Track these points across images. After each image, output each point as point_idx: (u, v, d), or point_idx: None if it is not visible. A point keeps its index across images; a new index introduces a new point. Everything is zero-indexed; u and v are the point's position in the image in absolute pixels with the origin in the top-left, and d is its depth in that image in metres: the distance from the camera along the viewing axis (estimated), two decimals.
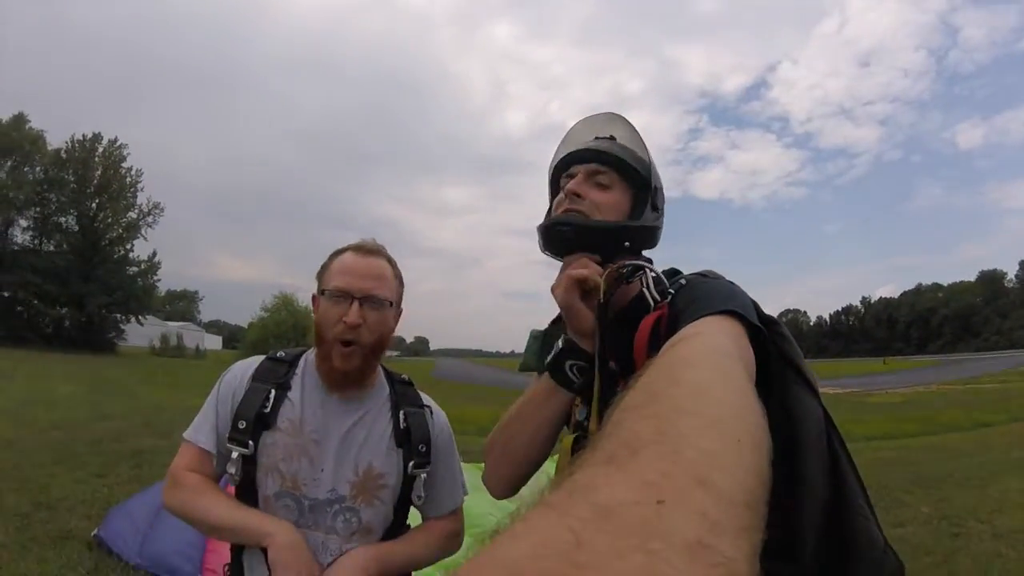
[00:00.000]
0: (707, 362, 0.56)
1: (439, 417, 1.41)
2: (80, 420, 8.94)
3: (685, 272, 0.99)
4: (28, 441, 7.01)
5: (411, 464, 1.30)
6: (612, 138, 1.07)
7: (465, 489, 1.47)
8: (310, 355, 1.34)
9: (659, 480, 0.31)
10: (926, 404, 16.16)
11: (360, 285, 1.24)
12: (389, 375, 1.41)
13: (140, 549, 3.66)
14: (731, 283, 0.91)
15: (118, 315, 39.95)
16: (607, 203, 1.00)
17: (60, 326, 36.85)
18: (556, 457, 1.01)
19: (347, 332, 1.23)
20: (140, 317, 41.77)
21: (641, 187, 1.02)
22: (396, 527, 1.33)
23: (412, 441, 1.31)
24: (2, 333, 32.13)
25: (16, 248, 38.10)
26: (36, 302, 35.69)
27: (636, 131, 1.06)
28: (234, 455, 1.21)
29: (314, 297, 1.32)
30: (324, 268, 1.31)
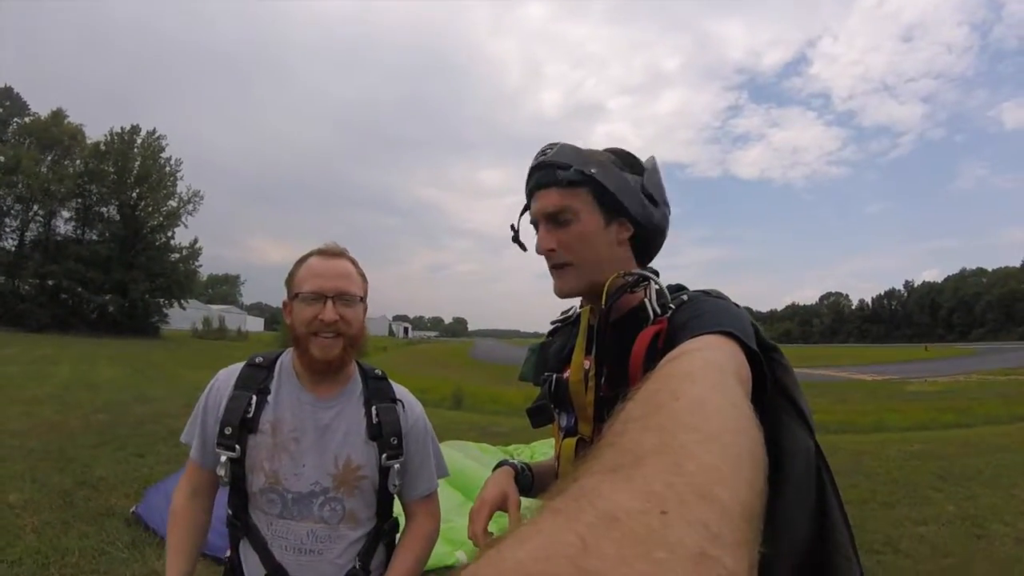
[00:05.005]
0: (706, 377, 0.57)
1: (412, 409, 1.50)
2: (123, 403, 9.30)
3: (690, 289, 0.98)
4: (73, 424, 7.36)
5: (384, 456, 1.40)
6: (546, 152, 1.03)
7: (443, 471, 1.57)
8: (285, 358, 1.45)
9: (663, 491, 0.31)
10: (965, 394, 15.64)
11: (332, 285, 1.34)
12: (363, 371, 1.50)
13: None
14: (736, 305, 0.90)
15: (161, 300, 40.69)
16: (575, 237, 0.99)
17: (104, 312, 37.72)
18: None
19: (325, 328, 1.33)
20: (183, 301, 42.38)
21: (599, 188, 0.99)
22: (382, 512, 1.44)
23: (384, 435, 1.41)
24: (48, 320, 33.17)
25: (59, 239, 39.15)
26: (80, 289, 36.53)
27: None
28: (223, 459, 1.33)
29: (285, 303, 1.41)
30: (292, 275, 1.40)
